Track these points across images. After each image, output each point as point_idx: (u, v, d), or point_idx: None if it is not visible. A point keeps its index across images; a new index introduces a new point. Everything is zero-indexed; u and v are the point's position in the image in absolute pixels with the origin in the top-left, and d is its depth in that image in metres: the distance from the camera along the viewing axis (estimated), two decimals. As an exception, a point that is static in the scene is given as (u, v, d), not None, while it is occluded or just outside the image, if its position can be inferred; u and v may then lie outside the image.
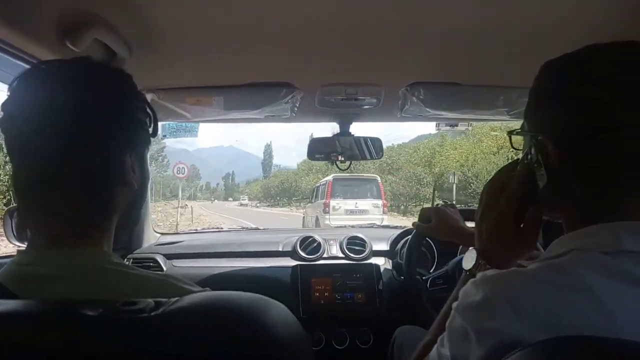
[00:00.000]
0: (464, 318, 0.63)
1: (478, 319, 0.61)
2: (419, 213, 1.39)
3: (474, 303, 0.62)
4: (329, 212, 10.76)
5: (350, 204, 10.91)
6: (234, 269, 1.97)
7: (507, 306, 0.59)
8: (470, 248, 0.82)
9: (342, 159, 1.89)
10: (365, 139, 1.91)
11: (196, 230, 2.57)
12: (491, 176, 0.80)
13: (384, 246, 2.09)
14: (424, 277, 1.59)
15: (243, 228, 2.62)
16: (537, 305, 0.58)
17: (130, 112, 0.67)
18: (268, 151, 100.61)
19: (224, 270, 1.96)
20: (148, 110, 0.70)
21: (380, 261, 2.04)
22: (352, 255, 2.05)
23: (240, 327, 0.50)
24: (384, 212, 10.83)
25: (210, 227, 2.67)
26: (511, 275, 0.62)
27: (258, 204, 50.69)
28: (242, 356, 0.49)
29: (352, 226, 2.56)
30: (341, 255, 2.05)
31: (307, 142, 1.92)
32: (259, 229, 2.68)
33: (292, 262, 1.99)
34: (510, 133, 0.75)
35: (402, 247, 1.96)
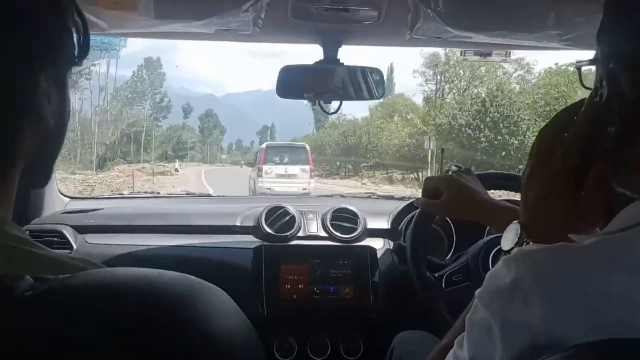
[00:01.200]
0: (487, 307, 0.55)
1: (505, 309, 0.54)
2: (422, 187, 1.14)
3: (502, 287, 0.55)
4: (261, 176, 13.59)
5: (281, 169, 13.78)
6: (171, 249, 1.69)
7: (546, 291, 0.52)
8: (513, 222, 0.73)
9: (327, 97, 1.53)
10: (362, 69, 1.56)
11: (121, 194, 2.26)
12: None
13: (383, 223, 1.79)
14: (436, 274, 1.37)
15: (188, 193, 2.34)
16: (588, 293, 0.50)
17: (50, 12, 0.53)
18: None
19: (156, 252, 1.68)
20: (75, 13, 0.56)
21: (377, 243, 1.76)
22: (338, 234, 1.76)
23: (148, 314, 0.43)
24: (311, 177, 13.74)
25: (143, 192, 2.31)
26: (556, 252, 0.55)
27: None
28: (146, 352, 0.41)
29: (342, 195, 2.25)
30: (323, 234, 1.77)
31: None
32: (210, 195, 2.38)
33: (255, 242, 1.74)
34: (580, 64, 0.65)
35: (408, 225, 1.64)
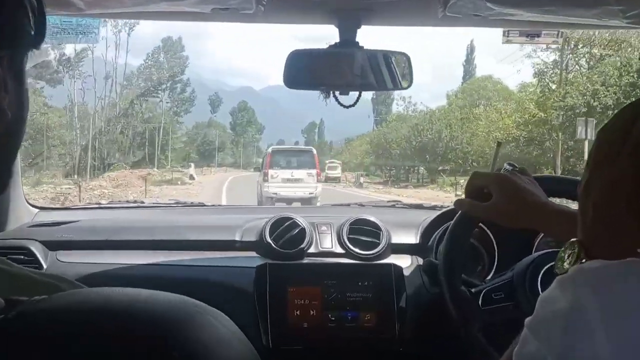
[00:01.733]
0: (540, 339, 0.58)
1: (563, 341, 0.55)
2: (465, 184, 1.28)
3: (557, 314, 0.57)
4: (267, 181, 17.07)
5: (287, 173, 17.28)
6: (159, 268, 1.87)
7: (613, 320, 0.53)
8: (570, 241, 0.75)
9: (344, 87, 1.69)
10: (385, 54, 1.72)
11: (99, 204, 2.45)
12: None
13: (411, 237, 1.96)
14: (473, 290, 1.52)
15: (178, 203, 2.55)
16: None
17: None
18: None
19: (141, 271, 1.87)
20: None
21: (403, 261, 1.92)
22: (357, 250, 1.92)
23: (141, 342, 0.46)
24: (317, 181, 17.43)
25: (127, 200, 2.57)
26: (624, 268, 0.56)
27: (362, 180, 41.18)
28: None
29: (361, 204, 2.44)
30: (339, 250, 1.94)
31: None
32: (204, 204, 2.59)
33: (258, 260, 1.91)
34: None
35: (441, 239, 1.80)
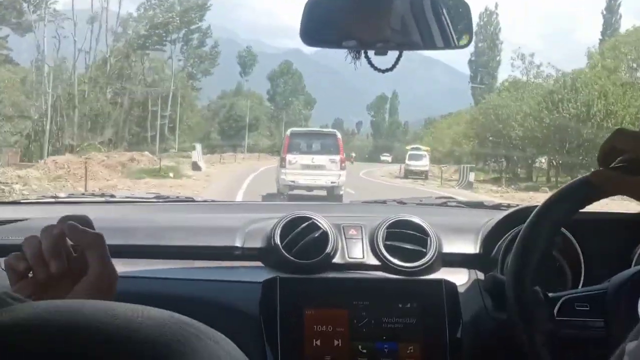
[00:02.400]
0: None
1: None
2: (601, 146, 1.24)
3: None
4: (285, 167, 20.30)
5: (306, 158, 20.42)
6: (134, 282, 2.02)
7: None
8: None
9: (379, 45, 1.78)
10: (434, 2, 1.83)
11: (55, 198, 2.61)
12: None
13: (469, 246, 2.11)
14: (550, 294, 1.66)
15: (159, 197, 2.73)
16: None
17: None
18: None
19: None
20: None
21: (458, 277, 2.07)
22: (396, 262, 2.07)
23: None
24: (341, 168, 20.13)
25: (93, 193, 2.76)
26: None
27: (471, 176, 38.33)
28: None
29: (401, 201, 2.59)
30: (373, 261, 2.09)
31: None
32: (193, 200, 2.75)
33: (265, 272, 2.07)
34: None
35: (509, 248, 1.92)
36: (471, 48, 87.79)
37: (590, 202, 1.48)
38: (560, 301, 1.64)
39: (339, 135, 23.65)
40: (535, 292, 1.57)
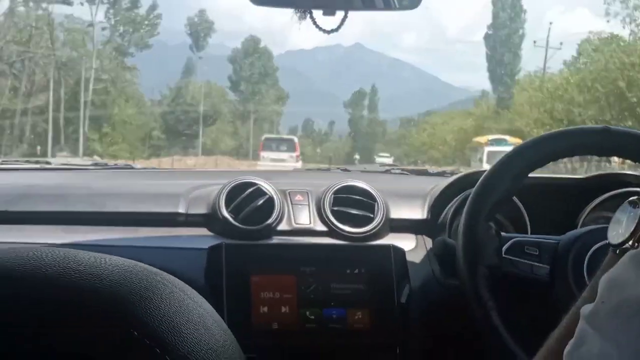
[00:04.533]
0: (605, 334, 0.73)
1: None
2: None
3: (632, 300, 0.72)
4: (259, 160, 47.30)
5: (274, 155, 46.65)
6: (75, 248, 2.40)
7: None
8: (627, 202, 1.07)
9: (327, 5, 2.19)
10: None
11: None
12: None
13: (416, 211, 2.58)
14: (502, 234, 2.16)
15: (97, 164, 3.18)
16: None
17: None
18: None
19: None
20: None
21: (406, 242, 2.53)
22: (344, 227, 2.53)
23: (84, 310, 0.63)
24: (297, 161, 45.57)
25: (28, 160, 3.22)
26: None
27: None
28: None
29: (345, 169, 3.09)
30: (320, 227, 2.55)
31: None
32: (131, 167, 3.20)
33: (210, 239, 2.49)
34: None
35: (457, 214, 2.42)
36: (488, 19, 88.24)
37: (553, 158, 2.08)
38: (511, 241, 2.10)
39: (296, 139, 50.80)
40: (488, 226, 2.05)
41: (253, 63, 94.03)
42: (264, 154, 47.35)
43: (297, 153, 48.14)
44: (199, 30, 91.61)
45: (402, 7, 2.25)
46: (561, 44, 70.19)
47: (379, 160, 78.91)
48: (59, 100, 55.43)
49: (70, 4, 59.72)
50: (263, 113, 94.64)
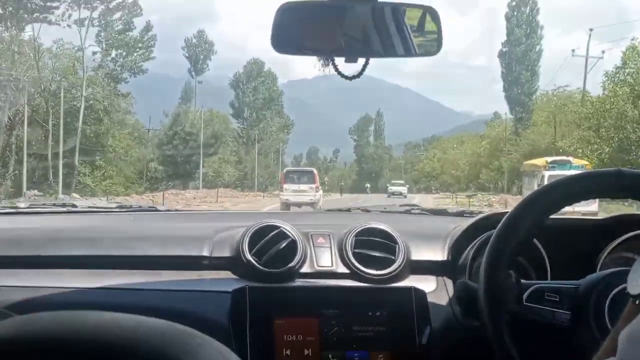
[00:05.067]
0: None
1: None
2: None
3: None
4: (282, 191, 55.34)
5: (295, 186, 53.76)
6: (102, 293, 2.61)
7: None
8: None
9: (349, 52, 2.42)
10: (405, 10, 2.46)
11: (16, 208, 3.19)
12: None
13: (437, 253, 2.76)
14: (522, 281, 2.27)
15: (122, 207, 3.34)
16: None
17: None
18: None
19: (78, 297, 2.57)
20: None
21: (427, 284, 2.72)
22: (365, 270, 2.72)
23: None
24: (316, 190, 53.37)
25: (54, 203, 3.41)
26: None
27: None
28: None
29: (366, 209, 3.27)
30: (342, 269, 2.73)
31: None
32: (156, 209, 3.38)
33: (234, 282, 2.67)
34: None
35: (478, 253, 2.58)
36: (502, 36, 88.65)
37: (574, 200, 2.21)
38: (532, 288, 2.23)
39: (315, 171, 55.68)
40: (509, 274, 2.17)
41: (257, 87, 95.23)
42: (286, 185, 53.97)
43: (317, 184, 54.19)
44: (198, 52, 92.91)
45: (422, 54, 2.48)
46: (603, 52, 68.95)
47: (393, 189, 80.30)
48: (47, 132, 55.66)
49: (55, 23, 60.27)
50: (268, 142, 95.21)
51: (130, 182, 65.54)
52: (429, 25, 2.49)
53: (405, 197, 78.46)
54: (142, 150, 74.33)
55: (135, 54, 70.24)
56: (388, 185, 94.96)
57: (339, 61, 2.42)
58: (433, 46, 2.50)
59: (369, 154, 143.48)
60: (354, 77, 2.44)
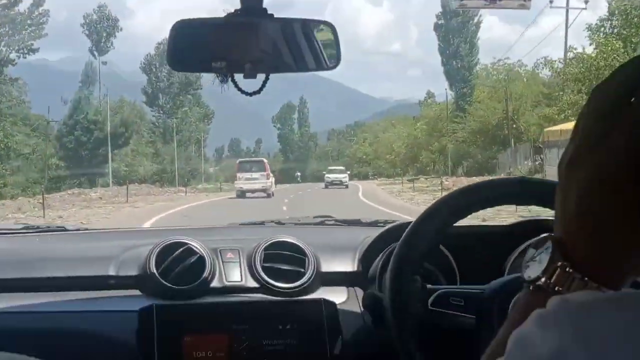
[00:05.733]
0: None
1: None
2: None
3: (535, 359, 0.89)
4: (237, 180, 71.87)
5: (247, 175, 70.63)
6: (4, 317, 2.80)
7: None
8: (542, 236, 1.16)
9: (248, 68, 2.65)
10: (303, 24, 2.73)
11: None
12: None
13: (347, 264, 3.03)
14: (428, 286, 2.52)
15: (27, 227, 3.54)
16: None
17: None
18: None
19: None
20: None
21: (337, 295, 2.98)
22: (275, 283, 2.96)
23: None
24: (267, 178, 69.57)
25: None
26: (619, 305, 0.87)
27: None
28: None
29: (279, 222, 3.54)
30: (252, 283, 2.98)
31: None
32: (65, 229, 3.55)
33: (142, 300, 2.87)
34: None
35: (386, 264, 2.72)
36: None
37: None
38: (437, 293, 2.43)
39: (265, 161, 71.03)
40: (414, 279, 2.38)
41: (171, 71, 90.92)
42: (239, 174, 67.31)
43: (268, 172, 67.80)
44: (100, 29, 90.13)
45: (321, 68, 2.77)
46: (586, 2, 67.47)
47: (331, 177, 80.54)
48: None
49: None
50: (187, 132, 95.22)
51: (32, 182, 63.77)
52: (327, 39, 2.72)
53: (346, 186, 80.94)
54: (40, 145, 72.14)
55: (24, 32, 67.75)
56: (324, 172, 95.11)
57: (239, 76, 2.65)
58: (334, 59, 2.74)
59: (294, 142, 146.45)
60: (254, 93, 2.68)
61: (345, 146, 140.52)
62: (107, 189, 66.96)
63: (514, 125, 61.75)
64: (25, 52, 69.03)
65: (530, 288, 1.02)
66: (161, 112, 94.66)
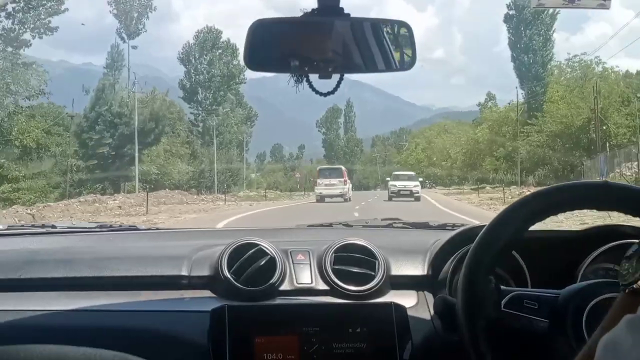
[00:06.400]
0: None
1: None
2: None
3: None
4: (317, 186, 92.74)
5: (326, 181, 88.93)
6: (80, 315, 3.02)
7: None
8: (636, 243, 1.34)
9: (324, 69, 2.80)
10: (377, 25, 2.86)
11: None
12: None
13: (417, 268, 3.25)
14: (502, 287, 2.66)
15: (102, 226, 3.76)
16: None
17: None
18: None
19: (55, 320, 2.99)
20: None
21: (407, 300, 3.20)
22: (345, 286, 3.17)
23: None
24: (345, 184, 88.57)
25: (33, 224, 3.75)
26: None
27: None
28: None
29: (347, 224, 3.77)
30: (322, 285, 3.21)
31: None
32: (137, 228, 3.79)
33: (213, 301, 3.07)
34: None
35: (458, 267, 2.96)
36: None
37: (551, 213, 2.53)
38: (511, 294, 2.57)
39: (343, 168, 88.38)
40: (488, 280, 2.53)
41: (212, 62, 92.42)
42: (319, 180, 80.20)
43: (345, 178, 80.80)
44: (131, 8, 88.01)
45: (398, 69, 2.91)
46: None
47: (397, 185, 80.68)
48: None
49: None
50: (228, 135, 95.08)
51: (51, 187, 62.39)
52: (403, 40, 2.90)
53: (417, 198, 78.67)
54: (61, 143, 69.39)
55: (40, 8, 64.18)
56: (388, 178, 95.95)
57: (313, 77, 2.79)
58: (410, 59, 2.91)
59: (340, 147, 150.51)
60: (328, 93, 2.82)
61: (392, 153, 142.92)
62: (131, 195, 63.76)
63: (604, 127, 60.41)
64: (42, 31, 65.73)
65: (626, 291, 1.15)
66: (200, 108, 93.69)
